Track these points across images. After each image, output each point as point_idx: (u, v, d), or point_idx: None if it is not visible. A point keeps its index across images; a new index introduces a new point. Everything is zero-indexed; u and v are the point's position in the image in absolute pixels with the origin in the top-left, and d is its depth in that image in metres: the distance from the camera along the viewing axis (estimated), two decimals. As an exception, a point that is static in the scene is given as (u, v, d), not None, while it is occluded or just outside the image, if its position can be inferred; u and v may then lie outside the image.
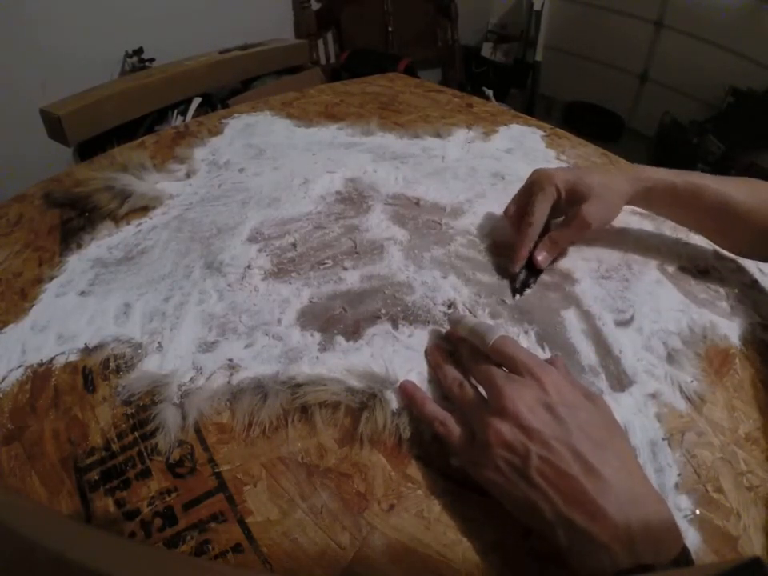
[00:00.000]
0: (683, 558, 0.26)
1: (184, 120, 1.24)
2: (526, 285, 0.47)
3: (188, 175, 0.65)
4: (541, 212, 0.46)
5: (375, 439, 0.35)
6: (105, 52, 1.49)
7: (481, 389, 0.35)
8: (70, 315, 0.45)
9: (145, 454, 0.35)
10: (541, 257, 0.47)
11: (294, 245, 0.51)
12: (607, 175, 0.47)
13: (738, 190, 0.44)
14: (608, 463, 0.28)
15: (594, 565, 0.26)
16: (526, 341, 0.42)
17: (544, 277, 0.48)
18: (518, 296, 0.46)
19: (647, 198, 0.47)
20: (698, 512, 0.32)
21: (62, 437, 0.36)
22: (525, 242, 0.47)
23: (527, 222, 0.47)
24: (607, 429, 0.31)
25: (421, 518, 0.32)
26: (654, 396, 0.38)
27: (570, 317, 0.44)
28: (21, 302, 0.47)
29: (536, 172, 0.48)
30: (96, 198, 0.58)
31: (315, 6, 1.93)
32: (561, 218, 0.49)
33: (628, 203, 0.48)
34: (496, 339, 0.35)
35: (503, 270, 0.48)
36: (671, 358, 0.41)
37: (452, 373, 0.37)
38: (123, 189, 0.59)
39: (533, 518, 0.29)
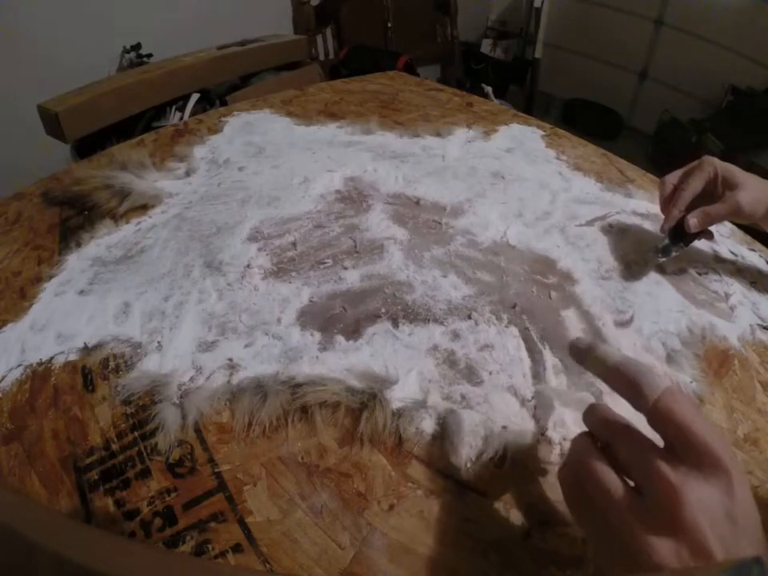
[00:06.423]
0: None
1: (182, 116, 1.23)
2: (668, 250, 0.49)
3: (187, 174, 0.64)
4: (695, 184, 0.49)
5: (375, 439, 0.35)
6: (102, 47, 1.48)
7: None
8: (69, 314, 0.45)
9: (144, 453, 0.35)
10: (692, 221, 0.48)
11: (293, 244, 0.51)
12: (757, 178, 0.48)
13: None
14: None
15: None
16: (526, 340, 0.42)
17: (543, 277, 0.48)
18: (660, 257, 0.49)
19: None
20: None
21: (61, 436, 0.36)
22: (677, 203, 0.49)
23: (681, 188, 0.49)
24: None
25: (421, 518, 0.32)
26: (653, 396, 0.38)
27: (570, 317, 0.44)
28: (20, 300, 0.47)
29: (702, 158, 0.50)
30: (95, 196, 0.58)
31: (314, 1, 1.92)
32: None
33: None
34: (663, 392, 0.24)
35: (503, 270, 0.48)
36: (670, 358, 0.41)
37: (607, 474, 0.25)
38: (122, 187, 0.58)
39: None
